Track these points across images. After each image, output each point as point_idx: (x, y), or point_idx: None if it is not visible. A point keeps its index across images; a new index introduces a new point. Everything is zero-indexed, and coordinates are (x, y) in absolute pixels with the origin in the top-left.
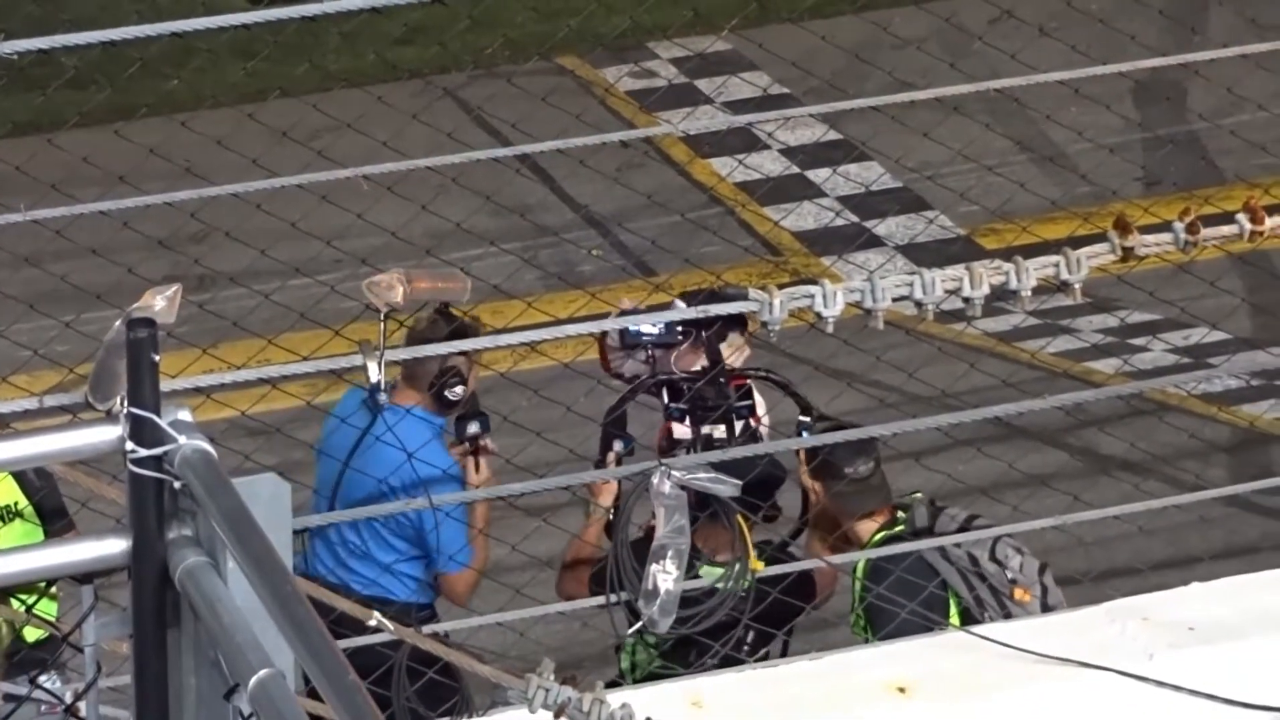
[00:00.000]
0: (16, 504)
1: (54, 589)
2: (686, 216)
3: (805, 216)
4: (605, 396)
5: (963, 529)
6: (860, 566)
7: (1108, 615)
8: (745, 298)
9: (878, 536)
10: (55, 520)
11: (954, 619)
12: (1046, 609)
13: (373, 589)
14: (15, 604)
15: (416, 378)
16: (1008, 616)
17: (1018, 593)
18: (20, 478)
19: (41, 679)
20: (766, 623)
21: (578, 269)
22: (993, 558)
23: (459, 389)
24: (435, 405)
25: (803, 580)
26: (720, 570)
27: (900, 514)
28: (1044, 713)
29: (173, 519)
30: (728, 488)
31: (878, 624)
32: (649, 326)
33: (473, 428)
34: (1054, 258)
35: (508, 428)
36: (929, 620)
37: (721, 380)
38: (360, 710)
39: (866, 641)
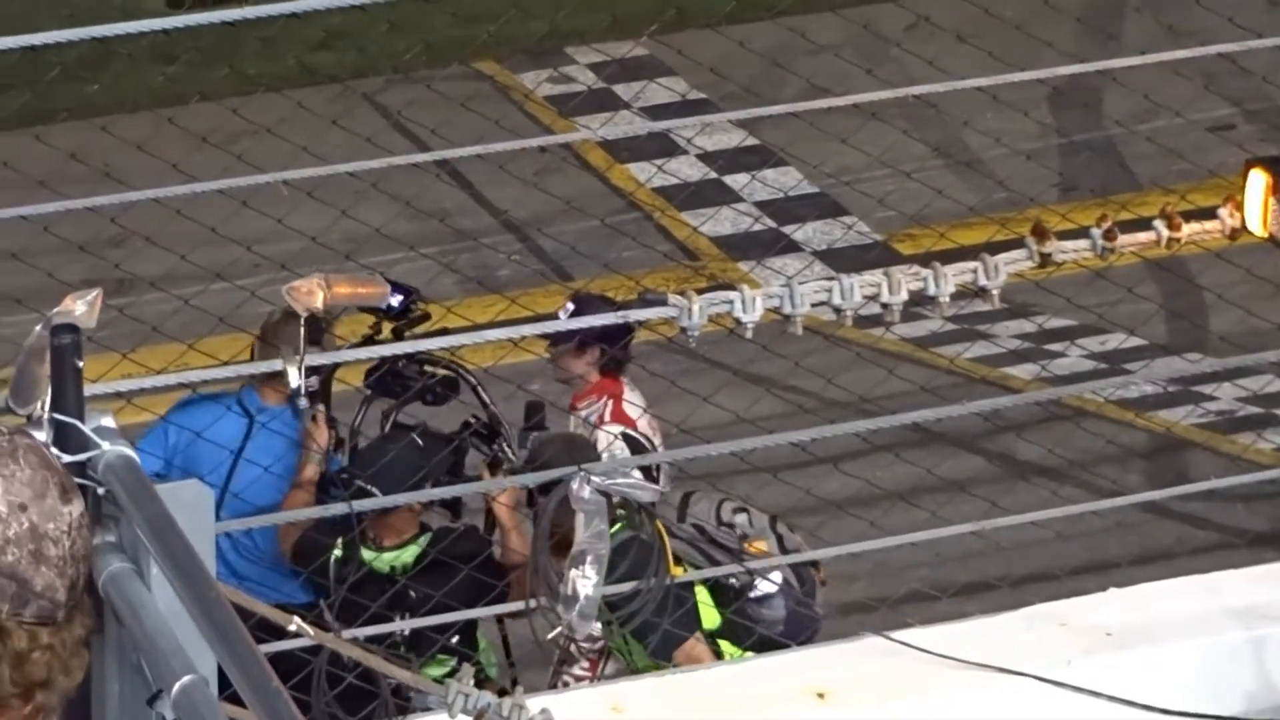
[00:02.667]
0: None
1: None
2: (605, 222)
3: (723, 222)
4: (523, 400)
5: (718, 514)
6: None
7: (1026, 621)
8: (665, 303)
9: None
10: None
11: (700, 589)
12: (787, 552)
13: (272, 596)
14: None
15: (278, 374)
16: (748, 572)
17: (751, 547)
18: None
19: None
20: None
21: (496, 274)
22: (721, 523)
23: (314, 381)
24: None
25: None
26: (388, 555)
27: (620, 511)
28: (962, 718)
29: (96, 525)
30: (648, 493)
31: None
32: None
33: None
34: (972, 264)
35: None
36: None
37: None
38: (282, 715)
39: (626, 653)
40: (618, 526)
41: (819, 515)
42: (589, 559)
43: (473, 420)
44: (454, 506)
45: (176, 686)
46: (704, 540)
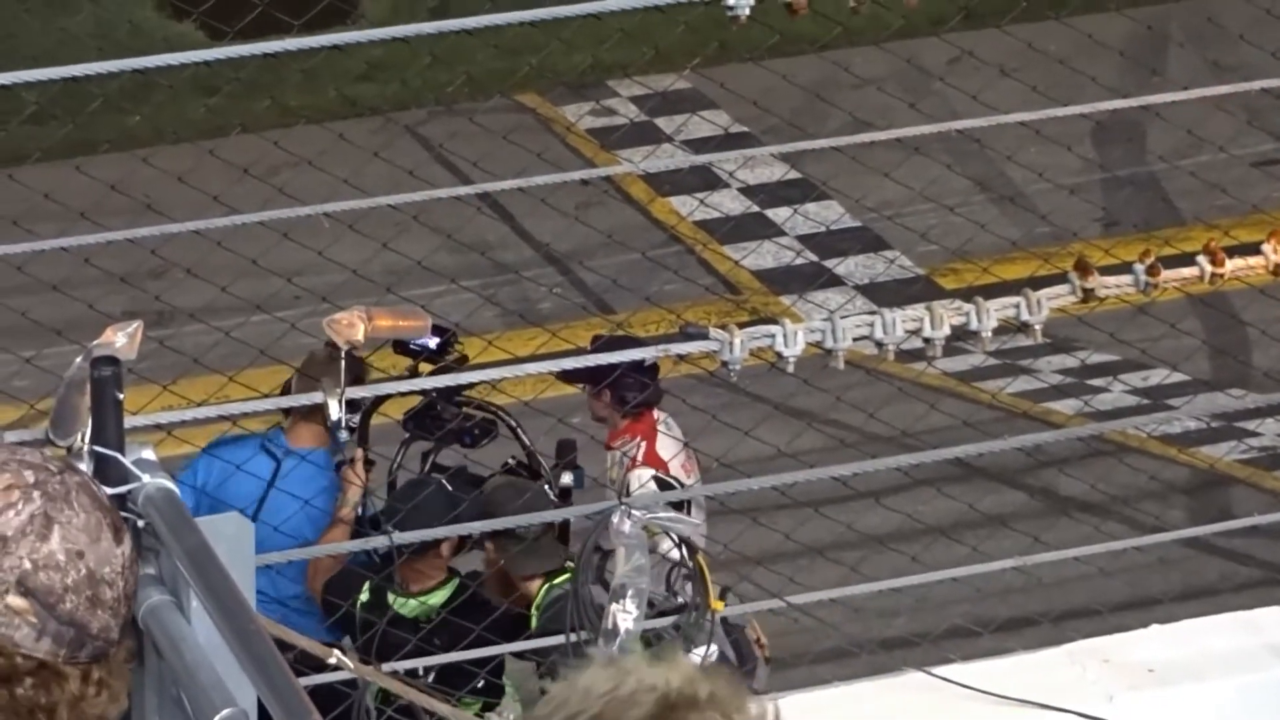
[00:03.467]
0: None
1: None
2: (646, 255)
3: (765, 256)
4: (565, 433)
5: (668, 580)
6: (534, 621)
7: (1068, 657)
8: (706, 337)
9: (543, 589)
10: None
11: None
12: (728, 629)
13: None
14: None
15: (314, 413)
16: (686, 641)
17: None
18: None
19: None
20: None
21: (537, 307)
22: (669, 588)
23: (354, 418)
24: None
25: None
26: (414, 601)
27: (569, 562)
28: None
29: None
30: (688, 527)
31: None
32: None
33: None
34: (1014, 298)
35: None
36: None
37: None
38: None
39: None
40: (564, 578)
41: (860, 550)
42: (630, 593)
43: (511, 461)
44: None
45: (216, 719)
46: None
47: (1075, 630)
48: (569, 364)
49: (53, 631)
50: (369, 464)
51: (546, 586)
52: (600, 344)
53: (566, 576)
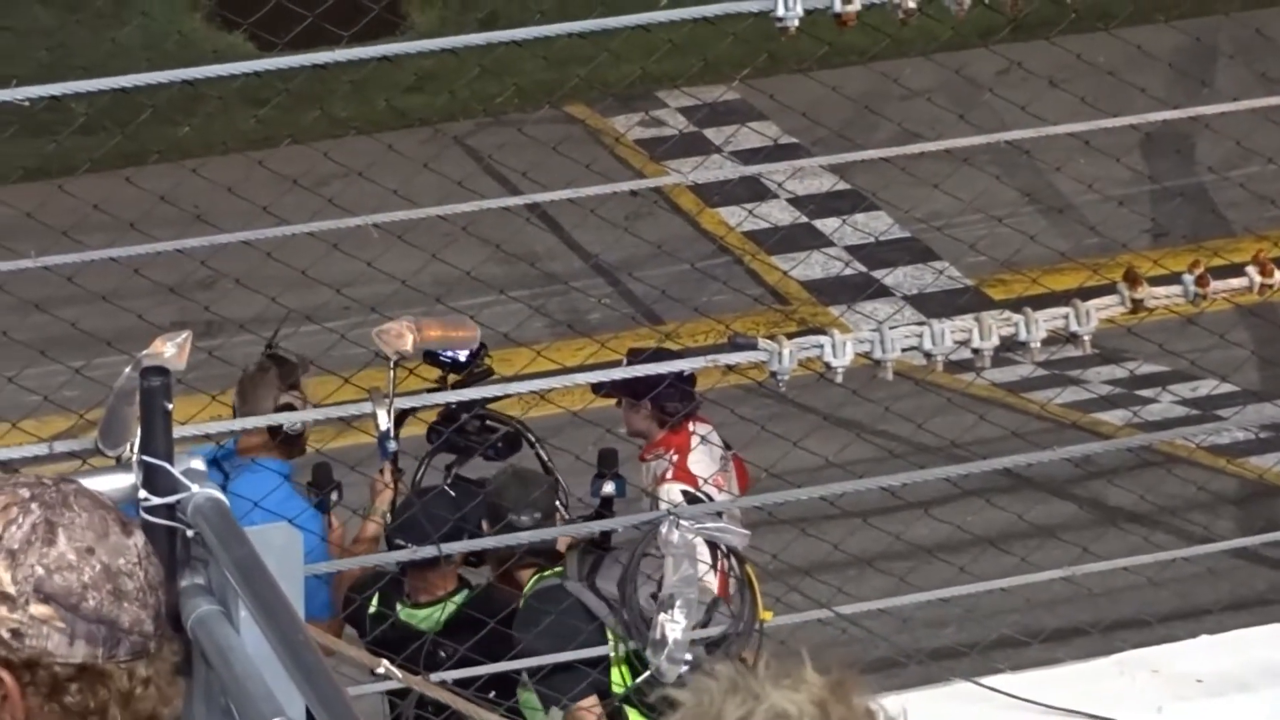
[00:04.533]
0: None
1: None
2: (695, 266)
3: (814, 266)
4: (613, 443)
5: (626, 568)
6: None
7: (1117, 667)
8: (755, 347)
9: (534, 581)
10: None
11: (616, 652)
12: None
13: None
14: None
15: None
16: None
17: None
18: None
19: None
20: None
21: (586, 317)
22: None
23: (297, 424)
24: (278, 449)
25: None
26: (422, 613)
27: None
28: None
29: (185, 567)
30: (736, 537)
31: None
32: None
33: (335, 496)
34: (1063, 309)
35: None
36: (587, 658)
37: (488, 422)
38: None
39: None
40: (556, 570)
41: (909, 560)
42: (678, 602)
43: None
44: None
45: None
46: (621, 604)
47: (1124, 641)
48: (607, 375)
49: (84, 632)
50: (397, 473)
51: (537, 577)
52: (641, 358)
53: (559, 570)
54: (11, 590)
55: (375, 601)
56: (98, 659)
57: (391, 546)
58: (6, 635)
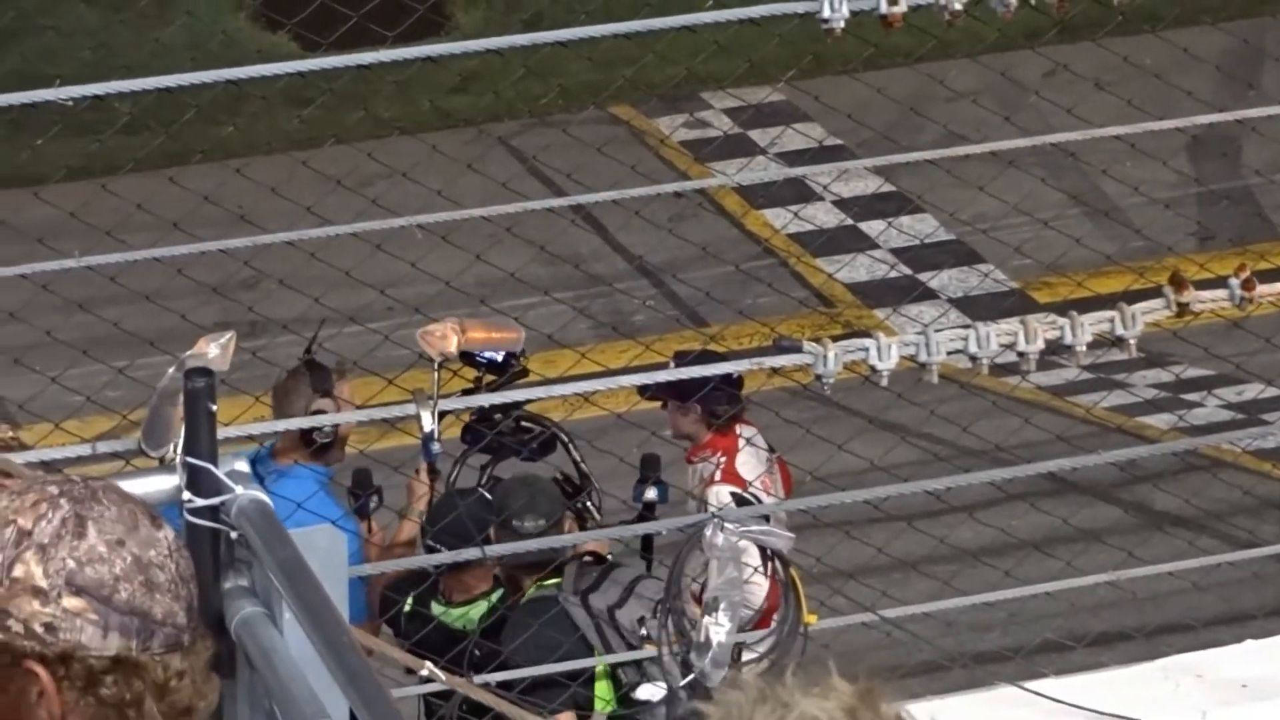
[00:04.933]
0: None
1: None
2: (740, 268)
3: (859, 269)
4: (657, 446)
5: (628, 588)
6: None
7: (1162, 672)
8: (800, 350)
9: (532, 590)
10: None
11: (601, 668)
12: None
13: None
14: None
15: (293, 432)
16: (637, 665)
17: (649, 645)
18: None
19: None
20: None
21: (630, 319)
22: (642, 625)
23: (327, 430)
24: (311, 455)
25: None
26: (456, 611)
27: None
28: None
29: (229, 569)
30: (781, 540)
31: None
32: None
33: (374, 503)
34: (1109, 313)
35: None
36: (568, 671)
37: (523, 423)
38: None
39: None
40: (555, 581)
41: (953, 564)
42: (722, 605)
43: (559, 476)
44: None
45: None
46: (608, 624)
47: (1168, 645)
48: (652, 378)
49: (117, 624)
50: (434, 473)
51: (536, 585)
52: (687, 359)
53: (557, 581)
54: (44, 584)
55: (411, 600)
56: (132, 651)
57: (427, 547)
58: (40, 629)
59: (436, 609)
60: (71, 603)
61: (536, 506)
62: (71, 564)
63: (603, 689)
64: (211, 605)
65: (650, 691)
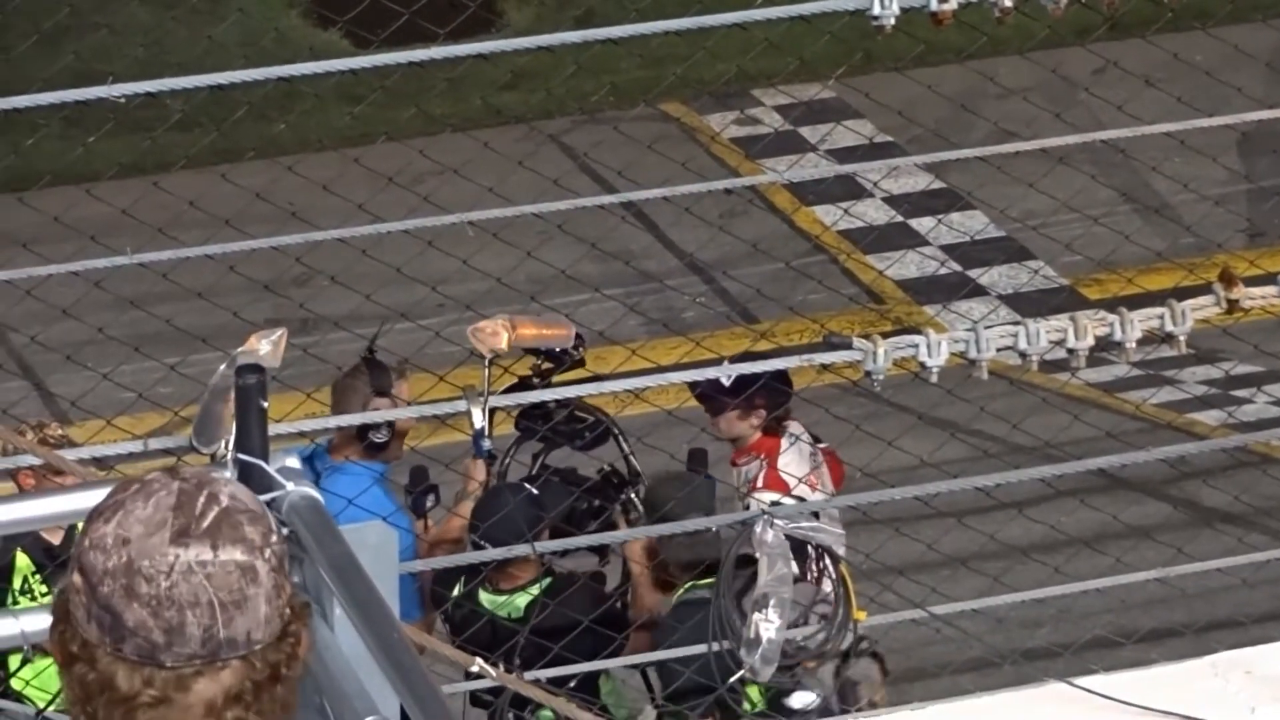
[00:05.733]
0: None
1: None
2: (790, 265)
3: (909, 265)
4: (705, 442)
5: (719, 572)
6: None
7: (1211, 668)
8: (850, 346)
9: (685, 590)
10: None
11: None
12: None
13: None
14: None
15: (349, 428)
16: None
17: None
18: None
19: None
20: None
21: (681, 316)
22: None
23: (383, 430)
24: (365, 453)
25: (611, 621)
26: (500, 599)
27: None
28: None
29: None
30: (831, 537)
31: (662, 673)
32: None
33: (430, 500)
34: (1158, 309)
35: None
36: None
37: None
38: None
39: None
40: (708, 581)
41: (1003, 561)
42: (772, 603)
43: (607, 468)
44: (600, 549)
45: None
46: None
47: (1218, 642)
48: (701, 374)
49: (95, 614)
50: (490, 459)
51: (689, 585)
52: (736, 358)
53: (709, 582)
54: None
55: (460, 585)
56: (106, 645)
57: (474, 544)
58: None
59: (483, 597)
60: (75, 579)
61: (695, 500)
62: (86, 543)
63: (754, 692)
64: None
65: (805, 699)
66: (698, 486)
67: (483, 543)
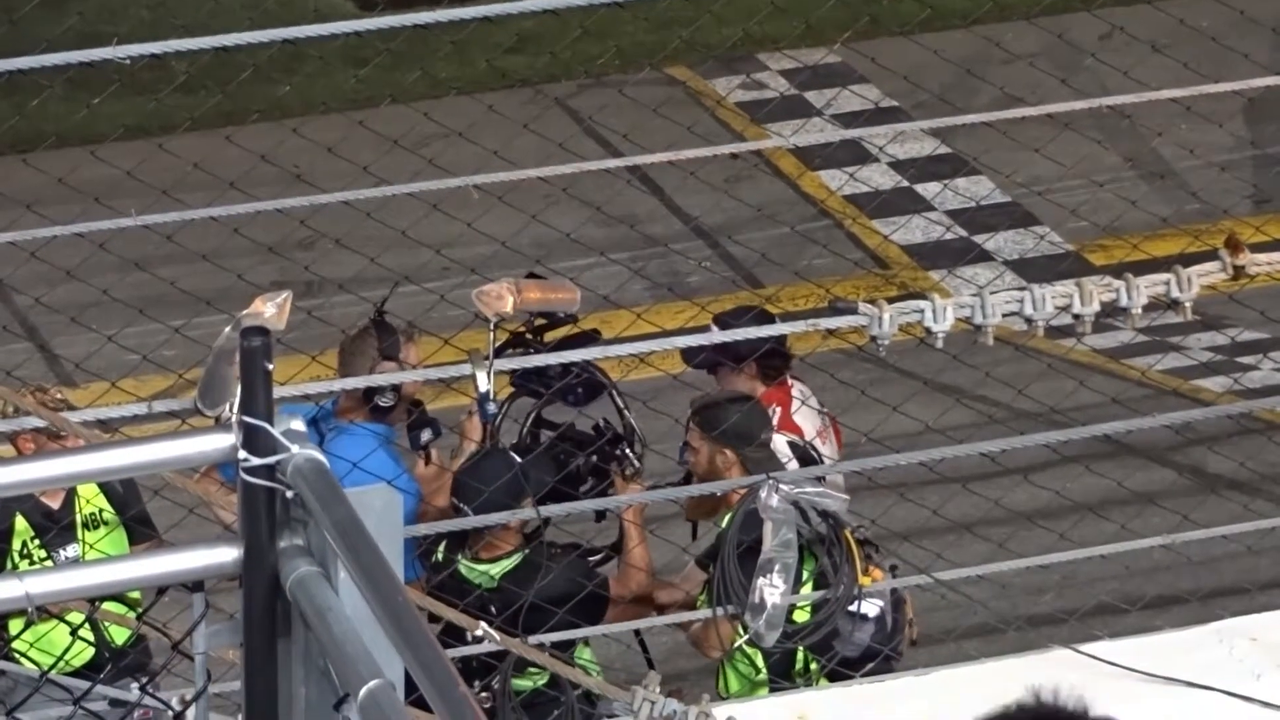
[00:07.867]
0: (102, 512)
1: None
2: (795, 229)
3: (914, 231)
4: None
5: (724, 533)
6: (727, 522)
7: (1215, 635)
8: (855, 311)
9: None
10: (140, 529)
11: (806, 585)
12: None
13: None
14: (120, 608)
15: (356, 389)
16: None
17: (873, 571)
18: (106, 487)
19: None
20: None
21: (686, 280)
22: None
23: (389, 395)
24: (371, 415)
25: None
26: (480, 567)
27: None
28: None
29: (284, 528)
30: (836, 501)
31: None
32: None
33: (425, 435)
34: (1164, 275)
35: None
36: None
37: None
38: None
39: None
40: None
41: (1008, 526)
42: (777, 567)
43: (602, 424)
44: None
45: (363, 691)
46: (832, 540)
47: (1223, 608)
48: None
49: None
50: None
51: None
52: (725, 320)
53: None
54: None
55: (441, 550)
56: None
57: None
58: None
59: (461, 563)
60: None
61: (756, 420)
62: None
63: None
64: (267, 564)
65: (874, 608)
66: (754, 405)
67: (464, 507)
